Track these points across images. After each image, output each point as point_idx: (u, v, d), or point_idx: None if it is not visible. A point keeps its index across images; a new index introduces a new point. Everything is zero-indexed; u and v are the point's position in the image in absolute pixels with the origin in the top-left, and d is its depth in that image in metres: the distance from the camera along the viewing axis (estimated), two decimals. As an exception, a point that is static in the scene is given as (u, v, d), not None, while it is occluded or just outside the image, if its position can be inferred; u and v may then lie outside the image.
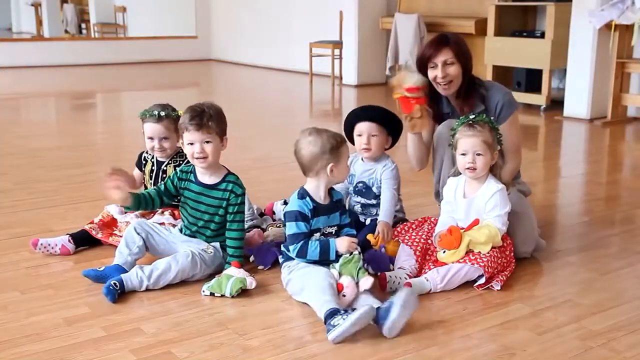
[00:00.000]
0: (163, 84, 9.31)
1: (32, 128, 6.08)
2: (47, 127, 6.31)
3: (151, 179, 3.06)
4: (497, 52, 6.85)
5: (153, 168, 3.06)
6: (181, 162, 3.01)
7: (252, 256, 2.76)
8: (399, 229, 2.84)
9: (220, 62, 11.58)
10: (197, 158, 2.60)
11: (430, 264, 2.62)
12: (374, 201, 2.97)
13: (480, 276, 2.52)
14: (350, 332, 2.10)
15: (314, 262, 2.44)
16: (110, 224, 2.97)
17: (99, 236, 2.90)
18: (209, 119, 2.57)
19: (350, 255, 2.41)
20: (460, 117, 2.68)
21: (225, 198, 2.64)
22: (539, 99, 6.64)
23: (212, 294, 2.45)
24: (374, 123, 2.88)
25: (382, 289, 2.45)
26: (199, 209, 2.67)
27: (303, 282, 2.36)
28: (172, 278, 2.52)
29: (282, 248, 2.54)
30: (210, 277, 2.56)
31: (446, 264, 2.54)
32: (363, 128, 2.90)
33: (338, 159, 2.46)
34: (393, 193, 2.90)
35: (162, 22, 12.57)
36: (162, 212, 2.96)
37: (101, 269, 2.55)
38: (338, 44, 8.56)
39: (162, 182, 2.73)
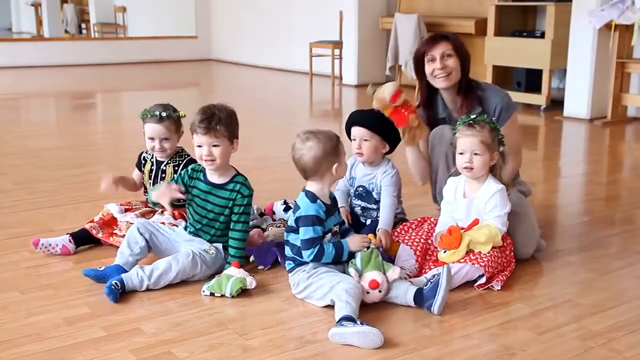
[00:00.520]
0: (163, 84, 9.31)
1: (32, 128, 6.08)
2: (47, 127, 6.31)
3: (150, 178, 3.06)
4: (497, 52, 6.85)
5: (152, 168, 3.06)
6: (180, 162, 3.02)
7: (252, 256, 2.76)
8: (399, 229, 2.84)
9: (220, 62, 11.58)
10: (205, 160, 2.61)
11: (430, 264, 2.62)
12: (374, 205, 2.96)
13: (480, 276, 2.53)
14: (349, 340, 2.10)
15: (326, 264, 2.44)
16: (110, 223, 2.97)
17: (100, 236, 2.90)
18: (218, 122, 2.57)
19: (368, 249, 2.43)
20: (462, 117, 2.67)
21: (231, 198, 2.65)
22: (539, 99, 6.64)
23: (212, 294, 2.45)
24: (365, 128, 2.88)
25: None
26: (205, 207, 2.67)
27: (331, 285, 2.32)
28: (173, 278, 2.52)
29: (291, 253, 2.49)
30: (211, 277, 2.56)
31: (446, 264, 2.54)
32: (356, 132, 2.90)
33: (339, 158, 2.46)
34: (393, 200, 2.89)
35: (162, 22, 12.57)
36: (162, 212, 2.95)
37: (101, 268, 2.55)
38: (338, 44, 8.56)
39: (172, 181, 2.72)
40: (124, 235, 2.73)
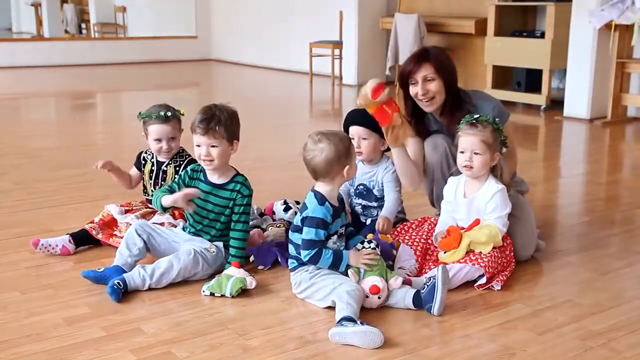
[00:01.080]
0: (163, 84, 9.31)
1: (32, 128, 6.08)
2: (47, 127, 6.30)
3: (151, 179, 3.06)
4: (497, 52, 6.85)
5: (153, 168, 3.06)
6: (181, 162, 3.01)
7: (252, 256, 2.76)
8: (398, 229, 2.84)
9: (220, 62, 11.58)
10: (203, 160, 2.61)
11: (430, 263, 2.62)
12: (374, 203, 2.97)
13: (480, 276, 2.53)
14: (349, 340, 2.10)
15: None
16: (110, 224, 2.97)
17: (100, 236, 2.90)
18: (217, 123, 2.56)
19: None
20: (465, 117, 2.67)
21: (232, 198, 2.65)
22: (539, 99, 6.64)
23: (212, 294, 2.45)
24: (362, 126, 2.88)
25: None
26: (206, 207, 2.67)
27: (333, 286, 2.33)
28: (175, 276, 2.52)
29: (294, 252, 2.48)
30: (211, 277, 2.56)
31: (447, 263, 2.54)
32: (353, 131, 2.90)
33: (351, 160, 2.45)
34: (397, 195, 2.90)
35: (162, 22, 12.58)
36: (172, 213, 2.95)
37: (101, 270, 2.55)
38: (338, 44, 8.56)
39: (174, 183, 2.71)
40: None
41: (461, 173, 2.68)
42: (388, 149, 2.94)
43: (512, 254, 2.66)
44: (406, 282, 2.43)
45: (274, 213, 3.22)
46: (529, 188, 3.10)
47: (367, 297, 2.33)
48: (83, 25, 13.96)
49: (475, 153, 2.59)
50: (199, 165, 2.71)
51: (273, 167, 4.45)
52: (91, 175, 4.06)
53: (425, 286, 2.34)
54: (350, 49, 8.48)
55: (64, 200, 3.66)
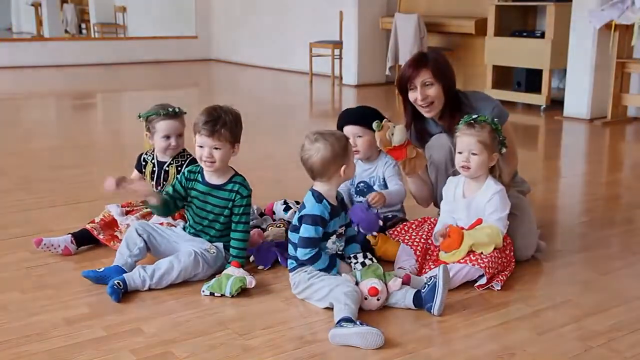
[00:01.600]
0: (163, 84, 9.31)
1: (32, 128, 6.08)
2: (47, 127, 6.31)
3: (152, 180, 3.05)
4: (497, 52, 6.85)
5: (154, 169, 3.05)
6: (183, 162, 3.01)
7: (252, 256, 2.76)
8: (398, 229, 2.84)
9: (220, 62, 11.58)
10: (204, 162, 2.61)
11: (430, 263, 2.62)
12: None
13: (480, 276, 2.53)
14: (349, 341, 2.10)
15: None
16: (111, 224, 2.96)
17: (101, 237, 2.90)
18: (223, 126, 2.56)
19: (371, 262, 2.47)
20: (464, 117, 2.67)
21: (230, 199, 2.64)
22: (539, 99, 6.64)
23: (212, 294, 2.45)
24: (355, 125, 2.90)
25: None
26: (205, 208, 2.67)
27: (330, 288, 2.33)
28: (175, 277, 2.52)
29: (293, 252, 2.48)
30: (210, 277, 2.56)
31: (447, 263, 2.54)
32: (348, 131, 2.91)
33: (348, 159, 2.46)
34: (401, 186, 2.92)
35: (162, 22, 12.57)
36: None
37: (101, 269, 2.55)
38: (338, 44, 8.56)
39: (170, 186, 2.71)
40: (125, 237, 2.73)
41: (460, 173, 2.68)
42: None
43: (512, 254, 2.66)
44: (405, 278, 2.43)
45: (274, 213, 3.22)
46: (530, 188, 3.10)
47: (365, 299, 2.32)
48: (83, 25, 13.95)
49: (472, 153, 2.59)
50: (196, 166, 2.71)
51: (273, 167, 4.45)
52: (91, 175, 4.06)
53: (426, 286, 2.34)
54: (350, 49, 8.48)
55: (64, 200, 3.66)
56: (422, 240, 2.69)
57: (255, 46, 10.89)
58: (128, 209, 3.05)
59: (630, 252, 2.97)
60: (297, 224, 2.44)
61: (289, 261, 2.52)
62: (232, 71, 10.64)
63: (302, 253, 2.41)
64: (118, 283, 2.42)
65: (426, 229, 2.77)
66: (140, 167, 3.11)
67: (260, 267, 2.72)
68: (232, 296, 2.43)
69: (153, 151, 3.07)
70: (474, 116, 2.63)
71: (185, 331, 2.21)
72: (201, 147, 2.59)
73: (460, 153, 2.62)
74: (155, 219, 2.92)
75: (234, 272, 2.50)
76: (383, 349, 2.09)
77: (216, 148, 2.58)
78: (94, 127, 6.44)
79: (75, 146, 5.21)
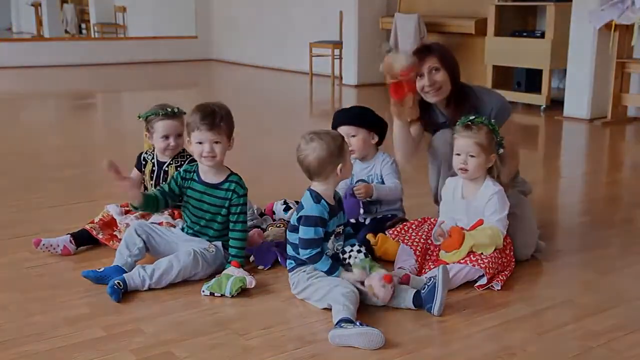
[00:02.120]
0: (163, 84, 9.31)
1: (32, 128, 6.08)
2: (47, 127, 6.30)
3: (152, 179, 3.05)
4: (497, 52, 6.85)
5: (154, 169, 3.06)
6: (182, 162, 3.01)
7: (252, 256, 2.76)
8: (398, 229, 2.84)
9: (220, 62, 11.58)
10: (205, 157, 2.60)
11: (430, 263, 2.62)
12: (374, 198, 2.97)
13: (480, 276, 2.53)
14: (349, 342, 2.10)
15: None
16: (110, 224, 2.97)
17: (100, 236, 2.90)
18: (221, 119, 2.58)
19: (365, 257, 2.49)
20: (461, 118, 2.67)
21: (227, 198, 2.65)
22: (539, 99, 6.64)
23: (212, 294, 2.45)
24: (348, 125, 2.92)
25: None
26: (202, 208, 2.67)
27: (329, 288, 2.33)
28: (175, 277, 2.52)
29: (292, 252, 2.48)
30: (210, 277, 2.56)
31: (447, 263, 2.54)
32: (342, 131, 2.90)
33: (344, 158, 2.46)
34: (397, 184, 2.93)
35: (162, 22, 12.57)
36: (162, 212, 2.95)
37: (101, 269, 2.55)
38: (338, 44, 8.56)
39: (166, 184, 2.72)
40: (124, 237, 2.73)
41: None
42: (380, 143, 2.97)
43: (512, 253, 2.66)
44: (405, 278, 2.43)
45: (274, 213, 3.22)
46: (531, 189, 3.10)
47: (383, 286, 2.30)
48: (83, 25, 13.97)
49: (470, 155, 2.59)
50: (192, 165, 2.71)
51: (273, 167, 4.45)
52: (91, 175, 4.06)
53: (426, 286, 2.34)
54: (350, 49, 8.48)
55: (64, 200, 3.66)
56: (422, 240, 2.69)
57: (255, 46, 10.89)
58: (127, 208, 3.04)
59: (630, 252, 2.97)
60: (295, 224, 2.45)
61: (288, 261, 2.52)
62: (232, 71, 10.64)
63: (304, 253, 2.42)
64: (118, 283, 2.42)
65: (426, 229, 2.77)
66: (140, 166, 3.11)
67: (260, 267, 2.72)
68: (232, 296, 2.43)
69: (153, 150, 3.08)
70: (471, 117, 2.63)
71: (185, 331, 2.21)
72: (200, 143, 2.59)
73: (458, 155, 2.62)
74: (154, 218, 2.92)
75: (234, 272, 2.50)
76: (383, 349, 2.09)
77: (216, 142, 2.59)
78: (94, 127, 6.44)
79: (75, 146, 5.20)
